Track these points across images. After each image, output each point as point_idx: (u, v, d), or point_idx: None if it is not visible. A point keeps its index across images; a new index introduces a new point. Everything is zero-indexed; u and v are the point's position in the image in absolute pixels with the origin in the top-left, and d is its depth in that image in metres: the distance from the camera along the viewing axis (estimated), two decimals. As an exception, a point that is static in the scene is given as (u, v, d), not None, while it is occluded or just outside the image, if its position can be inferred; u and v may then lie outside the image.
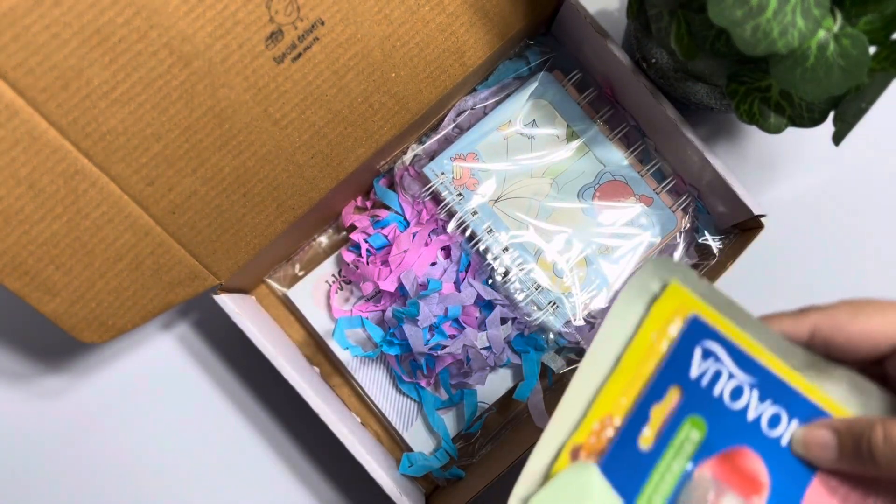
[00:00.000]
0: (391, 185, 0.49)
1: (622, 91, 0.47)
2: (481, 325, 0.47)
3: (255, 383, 0.51)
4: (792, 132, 0.41)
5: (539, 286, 0.46)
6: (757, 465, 0.29)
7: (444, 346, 0.46)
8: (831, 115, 0.37)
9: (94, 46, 0.34)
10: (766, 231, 0.43)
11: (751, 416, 0.28)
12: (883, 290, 0.51)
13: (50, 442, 0.50)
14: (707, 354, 0.28)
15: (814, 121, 0.38)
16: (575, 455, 0.28)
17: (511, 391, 0.49)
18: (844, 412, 0.28)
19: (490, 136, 0.48)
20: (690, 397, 0.28)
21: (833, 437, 0.28)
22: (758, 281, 0.51)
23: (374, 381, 0.49)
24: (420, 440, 0.49)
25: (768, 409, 0.28)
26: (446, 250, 0.48)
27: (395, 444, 0.50)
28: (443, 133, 0.48)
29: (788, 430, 0.28)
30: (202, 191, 0.40)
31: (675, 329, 0.29)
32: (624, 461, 0.28)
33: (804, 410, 0.28)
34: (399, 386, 0.49)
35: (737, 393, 0.28)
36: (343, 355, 0.49)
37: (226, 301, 0.43)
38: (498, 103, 0.49)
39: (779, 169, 0.52)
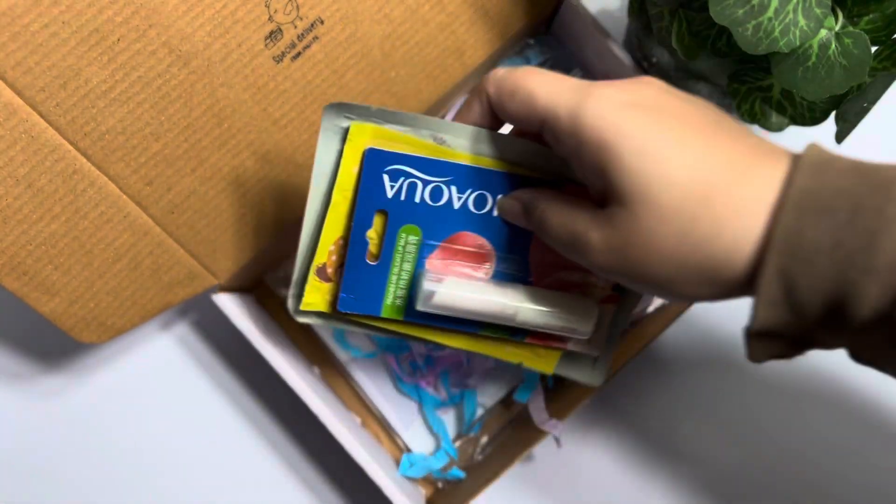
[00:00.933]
0: (391, 185, 0.49)
1: (623, 90, 0.47)
2: (481, 326, 0.47)
3: (255, 383, 0.51)
4: (793, 131, 0.41)
5: (539, 286, 0.46)
6: (477, 239, 0.33)
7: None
8: (833, 114, 0.37)
9: (93, 45, 0.34)
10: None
11: (457, 205, 0.32)
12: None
13: (50, 442, 0.50)
14: (395, 175, 0.32)
15: (815, 120, 0.38)
16: (321, 272, 0.33)
17: (511, 391, 0.49)
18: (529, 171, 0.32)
19: (490, 135, 0.48)
20: (396, 213, 0.32)
21: (519, 205, 0.31)
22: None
23: (374, 382, 0.49)
24: (420, 441, 0.49)
25: (471, 195, 0.32)
26: (446, 250, 0.48)
27: (394, 445, 0.50)
28: (443, 133, 0.48)
29: (496, 204, 0.32)
30: (201, 190, 0.39)
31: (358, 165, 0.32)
32: (361, 276, 0.33)
33: (503, 183, 0.32)
34: (399, 386, 0.49)
35: (436, 193, 0.32)
36: (343, 356, 0.48)
37: (225, 301, 0.43)
38: (498, 103, 0.48)
39: (780, 169, 0.52)
